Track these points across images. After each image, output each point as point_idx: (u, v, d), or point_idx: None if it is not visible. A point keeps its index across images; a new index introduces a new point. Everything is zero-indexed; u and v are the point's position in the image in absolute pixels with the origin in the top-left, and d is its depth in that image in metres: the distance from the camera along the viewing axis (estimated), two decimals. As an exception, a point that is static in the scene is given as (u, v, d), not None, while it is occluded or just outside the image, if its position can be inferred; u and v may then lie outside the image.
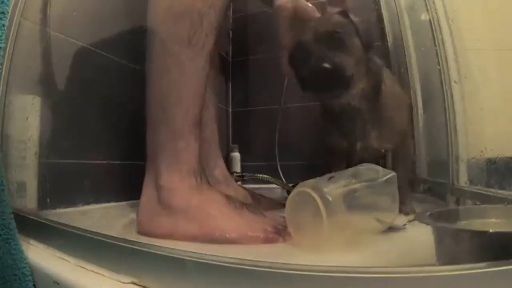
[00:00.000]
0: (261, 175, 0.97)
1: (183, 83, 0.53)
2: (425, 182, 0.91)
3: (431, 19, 0.78)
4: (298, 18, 0.70)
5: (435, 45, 0.77)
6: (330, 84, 0.61)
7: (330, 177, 0.49)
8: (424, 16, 0.82)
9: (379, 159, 0.74)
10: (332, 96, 0.65)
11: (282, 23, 0.71)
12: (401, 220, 0.54)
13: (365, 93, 0.64)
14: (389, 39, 1.06)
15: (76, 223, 0.47)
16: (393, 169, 0.61)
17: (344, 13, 0.64)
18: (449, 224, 0.37)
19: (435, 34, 0.77)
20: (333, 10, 0.68)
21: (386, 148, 0.69)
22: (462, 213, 0.42)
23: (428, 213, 0.37)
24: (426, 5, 0.80)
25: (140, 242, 0.39)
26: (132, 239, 0.41)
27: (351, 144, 0.68)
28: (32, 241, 0.46)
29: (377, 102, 0.65)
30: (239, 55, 1.41)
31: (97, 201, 0.73)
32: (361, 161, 0.67)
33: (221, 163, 0.78)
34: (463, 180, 0.70)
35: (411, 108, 0.84)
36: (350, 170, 0.53)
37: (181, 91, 0.53)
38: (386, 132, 0.67)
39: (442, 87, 0.75)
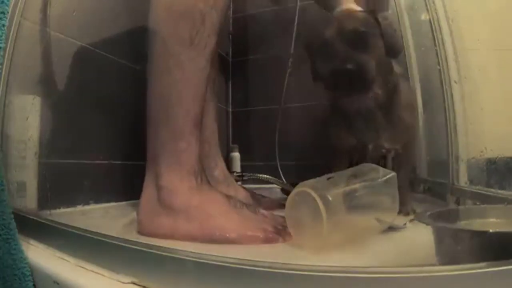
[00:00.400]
0: (261, 175, 0.97)
1: (185, 84, 0.53)
2: (425, 182, 0.91)
3: (431, 19, 0.78)
4: None
5: (435, 45, 0.77)
6: (350, 85, 0.60)
7: (330, 177, 0.49)
8: (424, 16, 0.82)
9: (380, 159, 0.74)
10: (350, 97, 0.64)
11: None
12: (401, 220, 0.54)
13: (381, 96, 0.63)
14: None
15: (76, 223, 0.47)
16: (393, 169, 0.61)
17: (373, 13, 0.63)
18: (449, 224, 0.37)
19: (435, 34, 0.77)
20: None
21: (393, 149, 0.69)
22: (462, 213, 0.42)
23: (428, 213, 0.37)
24: (426, 5, 0.80)
25: (140, 242, 0.39)
26: (132, 239, 0.41)
27: (360, 144, 0.68)
28: (32, 241, 0.46)
29: (392, 106, 0.65)
30: (239, 55, 1.41)
31: (97, 201, 0.73)
32: (364, 161, 0.67)
33: (221, 163, 0.78)
34: (463, 180, 0.70)
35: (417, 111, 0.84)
36: (350, 170, 0.53)
37: (182, 92, 0.53)
38: (395, 135, 0.67)
39: (442, 87, 0.75)
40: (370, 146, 0.67)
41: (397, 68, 0.68)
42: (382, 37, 0.61)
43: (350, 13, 0.66)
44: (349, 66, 0.58)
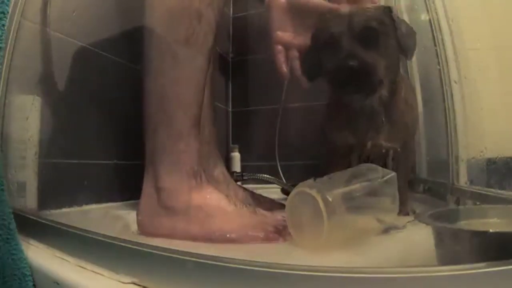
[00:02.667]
0: (261, 175, 0.97)
1: (182, 84, 0.53)
2: (425, 182, 0.91)
3: (431, 19, 0.78)
4: (302, 12, 0.66)
5: (435, 45, 0.77)
6: (356, 85, 0.58)
7: (330, 177, 0.50)
8: (424, 16, 0.82)
9: (380, 159, 0.73)
10: (355, 97, 0.62)
11: (274, 18, 0.68)
12: (401, 220, 0.54)
13: (386, 97, 0.62)
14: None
15: (76, 223, 0.47)
16: (393, 169, 0.61)
17: (388, 9, 0.59)
18: (449, 224, 0.37)
19: (435, 34, 0.77)
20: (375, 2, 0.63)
21: (392, 148, 0.68)
22: (462, 213, 0.42)
23: (428, 213, 0.37)
24: (426, 5, 0.80)
25: (140, 242, 0.39)
26: (132, 239, 0.41)
27: (359, 143, 0.67)
28: (32, 241, 0.46)
29: (392, 105, 0.64)
30: (239, 55, 1.41)
31: (97, 201, 0.73)
32: (363, 160, 0.66)
33: (220, 163, 0.78)
34: (463, 180, 0.70)
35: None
36: (350, 170, 0.53)
37: (180, 92, 0.53)
38: (394, 134, 0.66)
39: (442, 87, 0.75)
40: (369, 144, 0.66)
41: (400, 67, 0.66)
42: (396, 37, 0.58)
43: (362, 10, 0.62)
44: (354, 63, 0.55)
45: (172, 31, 0.52)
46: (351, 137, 0.67)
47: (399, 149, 0.68)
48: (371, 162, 0.62)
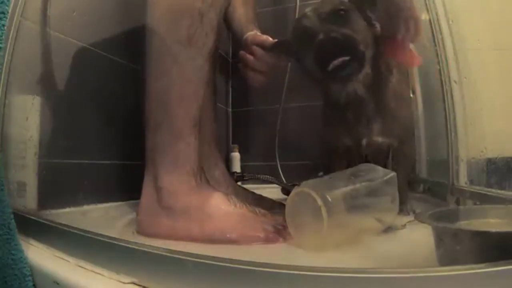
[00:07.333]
0: (261, 175, 0.97)
1: (183, 83, 0.53)
2: (425, 182, 0.90)
3: (431, 19, 0.78)
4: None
5: (435, 45, 0.77)
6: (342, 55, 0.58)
7: (330, 177, 0.50)
8: (424, 16, 0.82)
9: (382, 158, 0.73)
10: (346, 72, 0.61)
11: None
12: (401, 220, 0.54)
13: (370, 80, 0.63)
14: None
15: (76, 223, 0.47)
16: (393, 168, 0.61)
17: None
18: (449, 224, 0.37)
19: (435, 34, 0.77)
20: None
21: (387, 144, 0.68)
22: (462, 213, 0.42)
23: (428, 213, 0.37)
24: (426, 5, 0.80)
25: (140, 242, 0.39)
26: (132, 239, 0.41)
27: (354, 140, 0.67)
28: (32, 241, 0.46)
29: (381, 95, 0.64)
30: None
31: (97, 201, 0.73)
32: (362, 159, 0.66)
33: (221, 163, 0.78)
34: (463, 180, 0.70)
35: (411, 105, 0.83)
36: (350, 170, 0.53)
37: (181, 91, 0.53)
38: (387, 128, 0.66)
39: (442, 87, 0.75)
40: (364, 142, 0.66)
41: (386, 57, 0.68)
42: (363, 17, 0.61)
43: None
44: (334, 34, 0.58)
45: (174, 31, 0.52)
46: (345, 137, 0.68)
47: (396, 145, 0.68)
48: (371, 161, 0.62)
